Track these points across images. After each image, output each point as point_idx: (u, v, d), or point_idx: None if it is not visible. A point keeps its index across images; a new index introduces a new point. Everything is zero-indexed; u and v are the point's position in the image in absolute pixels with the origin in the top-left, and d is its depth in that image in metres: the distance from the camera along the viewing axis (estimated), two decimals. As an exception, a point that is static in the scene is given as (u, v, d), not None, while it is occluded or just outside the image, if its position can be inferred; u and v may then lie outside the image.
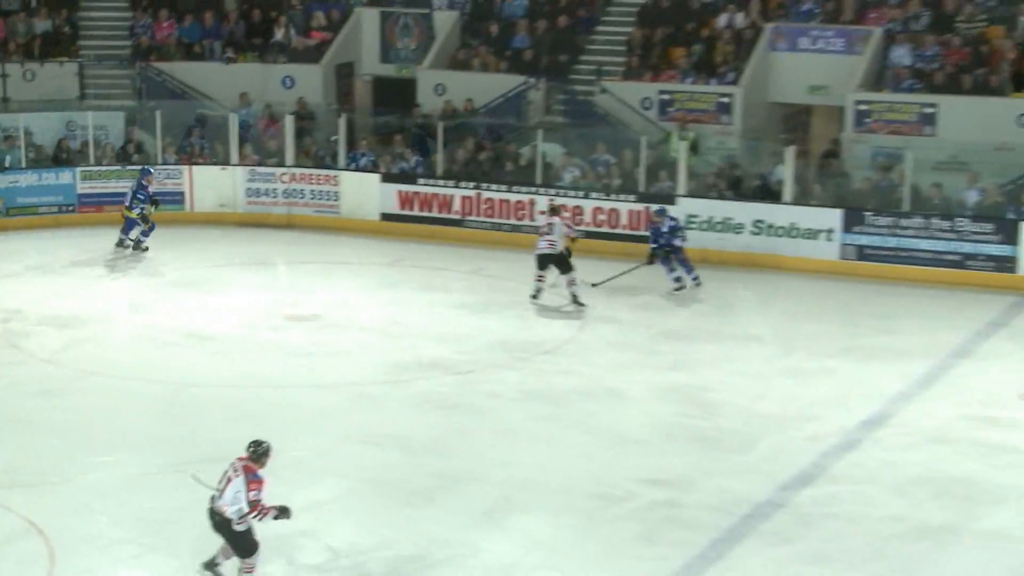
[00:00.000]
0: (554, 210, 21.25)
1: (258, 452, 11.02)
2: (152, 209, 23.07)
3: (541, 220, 21.96)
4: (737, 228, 22.77)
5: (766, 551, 12.14)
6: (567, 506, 13.09)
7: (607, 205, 23.66)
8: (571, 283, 20.29)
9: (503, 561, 12.03)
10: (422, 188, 24.74)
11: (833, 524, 12.68)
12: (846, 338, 18.74)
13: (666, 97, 26.26)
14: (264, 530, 12.43)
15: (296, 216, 25.33)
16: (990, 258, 21.54)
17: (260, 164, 25.62)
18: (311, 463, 14.09)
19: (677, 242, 21.16)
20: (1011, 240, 21.41)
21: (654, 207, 22.33)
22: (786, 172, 23.02)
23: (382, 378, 16.89)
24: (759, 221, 22.71)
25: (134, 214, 22.95)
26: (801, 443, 14.74)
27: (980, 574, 11.77)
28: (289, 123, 25.71)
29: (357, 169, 25.37)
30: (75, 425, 15.24)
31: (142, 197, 22.98)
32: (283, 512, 11.08)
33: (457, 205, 24.48)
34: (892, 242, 22.06)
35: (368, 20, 29.35)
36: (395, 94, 28.57)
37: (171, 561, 11.95)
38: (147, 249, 23.06)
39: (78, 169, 25.21)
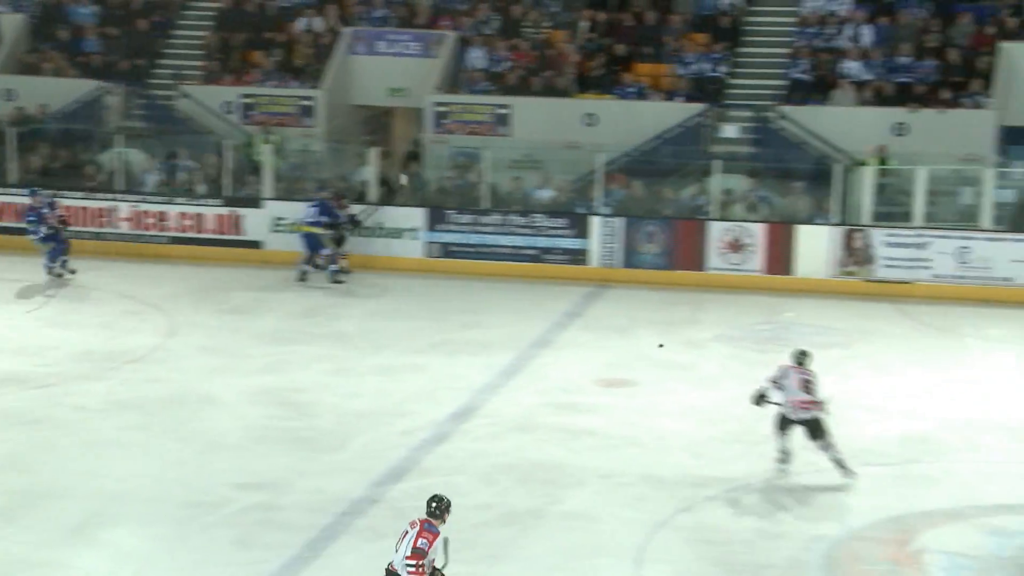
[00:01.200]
0: (337, 196, 22.28)
1: (440, 508, 10.35)
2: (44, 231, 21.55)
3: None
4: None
5: (361, 547, 12.26)
6: (159, 516, 12.86)
7: (192, 210, 23.39)
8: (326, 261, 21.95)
9: (93, 577, 11.73)
10: (-6, 197, 23.72)
11: (425, 516, 12.98)
12: (434, 333, 19.17)
13: (248, 101, 26.13)
14: None
15: None
16: (565, 251, 22.55)
17: None
18: None
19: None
20: (583, 234, 22.47)
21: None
22: (370, 173, 23.34)
23: (-44, 397, 16.13)
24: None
25: (35, 239, 21.45)
26: (394, 438, 14.96)
27: (564, 554, 12.17)
28: None
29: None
30: None
31: (33, 219, 21.45)
32: None
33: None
34: (474, 239, 22.76)
35: (-74, 23, 27.85)
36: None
37: None
38: (60, 275, 21.55)
39: None
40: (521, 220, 22.64)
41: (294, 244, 22.65)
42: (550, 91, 25.27)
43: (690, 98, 24.69)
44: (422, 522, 10.26)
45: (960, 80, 23.93)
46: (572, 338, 19.20)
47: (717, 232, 22.07)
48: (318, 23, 27.09)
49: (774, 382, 14.14)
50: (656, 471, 14.07)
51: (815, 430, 13.86)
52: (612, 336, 19.29)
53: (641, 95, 25.04)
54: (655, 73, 25.41)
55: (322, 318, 20.19)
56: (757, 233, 21.94)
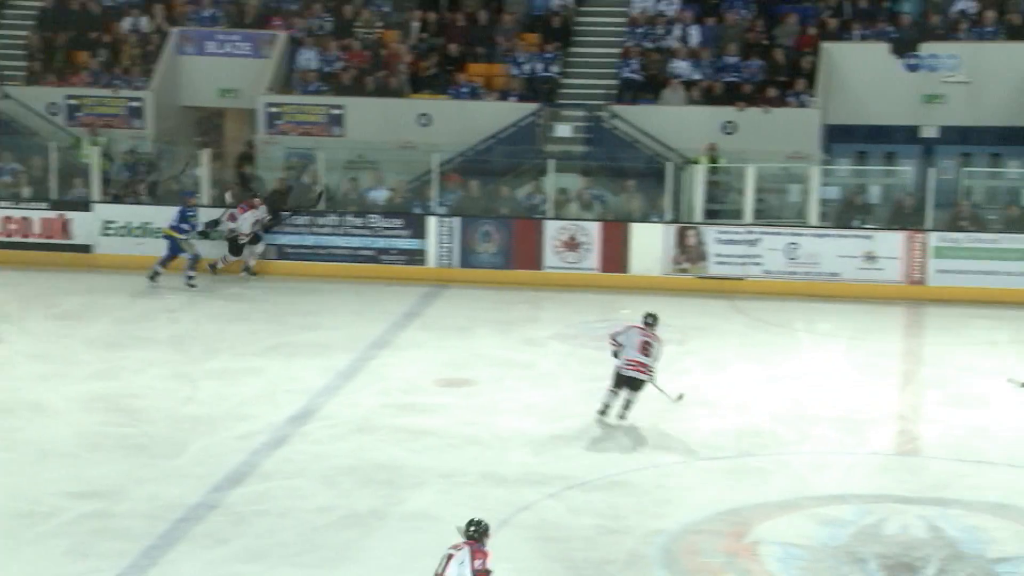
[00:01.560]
0: (250, 198, 22.06)
1: (479, 531, 10.06)
2: None
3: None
4: (157, 232, 22.47)
5: (200, 553, 12.07)
6: (-10, 528, 12.53)
7: (18, 214, 22.81)
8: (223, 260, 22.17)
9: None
10: None
11: (266, 520, 12.74)
12: (271, 336, 19.00)
13: (74, 102, 25.58)
14: None
15: None
16: (402, 252, 22.49)
17: None
18: None
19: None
20: (420, 234, 22.43)
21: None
22: (202, 174, 23.01)
23: None
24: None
25: None
26: (232, 443, 14.75)
27: (407, 554, 12.06)
28: None
29: None
30: None
31: None
32: None
33: None
34: (310, 240, 22.58)
35: None
36: None
37: None
38: None
39: None
40: (357, 221, 22.52)
41: (124, 247, 22.43)
42: (383, 91, 25.18)
43: (523, 98, 24.83)
44: (470, 544, 10.03)
45: (786, 80, 24.48)
46: (411, 338, 19.16)
47: (553, 231, 22.22)
48: (144, 23, 26.63)
49: (615, 338, 15.27)
50: (497, 470, 14.07)
51: (636, 388, 15.24)
52: (451, 336, 19.30)
53: (475, 95, 25.11)
54: (488, 73, 25.50)
55: (155, 322, 19.88)
56: (592, 231, 22.14)
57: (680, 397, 15.41)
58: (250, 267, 22.32)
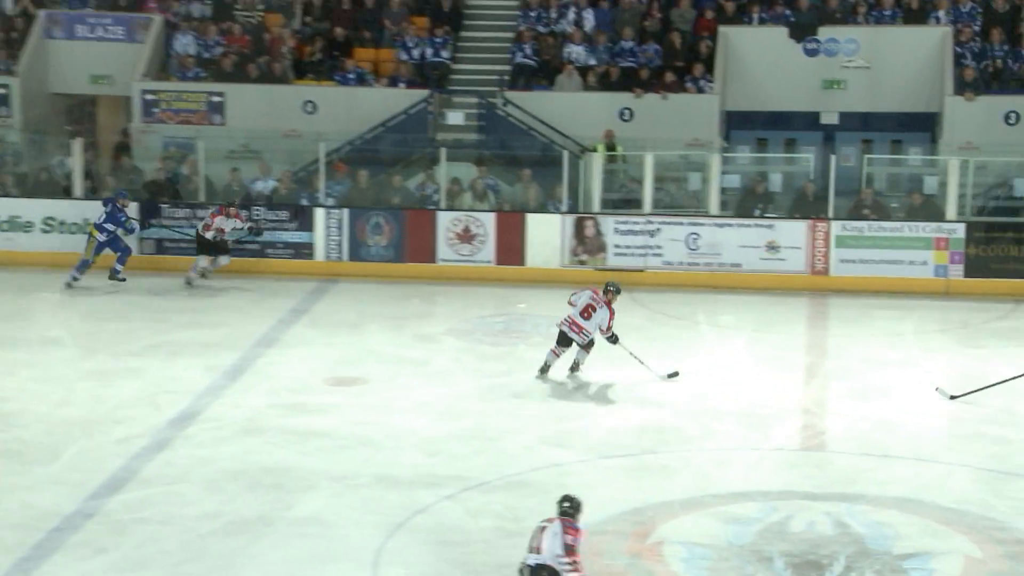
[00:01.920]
0: (225, 204, 21.42)
1: (573, 507, 10.41)
2: None
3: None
4: (26, 227, 22.00)
5: (77, 565, 11.65)
6: None
7: None
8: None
9: None
10: None
11: (147, 528, 12.37)
12: (151, 335, 18.55)
13: (-65, 89, 24.90)
14: None
15: None
16: (288, 245, 22.04)
17: None
18: None
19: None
20: (307, 227, 21.97)
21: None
22: (75, 165, 22.41)
23: None
24: (50, 218, 22.04)
25: None
26: (110, 447, 14.32)
27: (298, 561, 11.83)
28: None
29: None
30: None
31: None
32: None
33: None
34: (191, 233, 21.87)
35: None
36: None
37: None
38: None
39: None
40: (242, 214, 21.91)
41: (14, 242, 22.19)
42: (266, 78, 24.71)
43: (413, 84, 24.51)
44: (562, 519, 10.33)
45: (683, 64, 24.29)
46: (299, 336, 18.82)
47: (446, 223, 21.87)
48: (9, 4, 26.10)
49: (571, 298, 16.35)
50: (391, 471, 13.77)
51: (584, 347, 16.34)
52: (341, 332, 18.98)
53: (362, 81, 24.72)
54: (376, 58, 25.19)
55: (27, 321, 19.40)
56: (487, 223, 21.82)
57: (673, 375, 16.42)
58: (205, 271, 21.44)
